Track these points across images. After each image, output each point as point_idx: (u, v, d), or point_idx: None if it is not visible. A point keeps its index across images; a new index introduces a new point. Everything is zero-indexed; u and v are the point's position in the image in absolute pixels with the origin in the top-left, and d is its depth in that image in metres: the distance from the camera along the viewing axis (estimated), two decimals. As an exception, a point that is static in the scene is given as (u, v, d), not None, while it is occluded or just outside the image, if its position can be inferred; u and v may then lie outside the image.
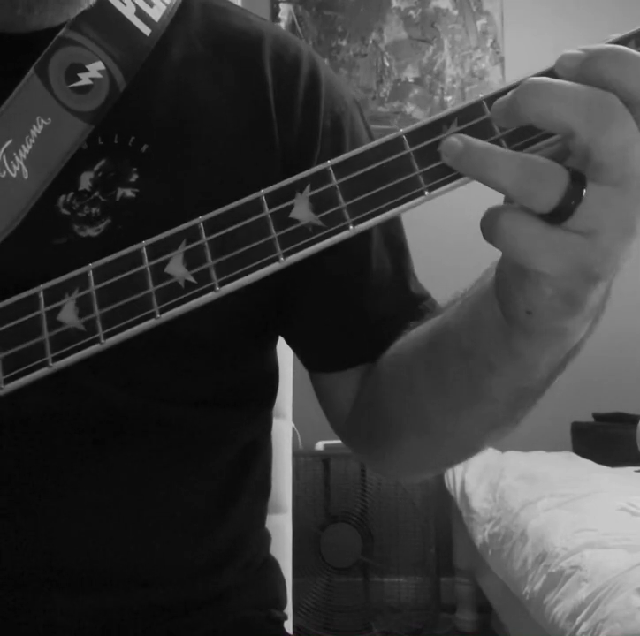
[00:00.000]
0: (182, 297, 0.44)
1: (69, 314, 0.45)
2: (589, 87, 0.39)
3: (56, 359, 0.45)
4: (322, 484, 2.67)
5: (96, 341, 0.45)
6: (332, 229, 0.43)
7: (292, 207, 0.43)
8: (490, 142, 0.42)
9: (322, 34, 3.00)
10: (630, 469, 2.43)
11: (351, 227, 0.43)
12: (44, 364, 0.45)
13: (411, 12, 3.01)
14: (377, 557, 2.63)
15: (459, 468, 2.55)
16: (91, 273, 0.45)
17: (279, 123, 0.68)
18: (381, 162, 0.43)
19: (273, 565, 0.80)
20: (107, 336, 0.44)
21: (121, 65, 0.65)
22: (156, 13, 0.68)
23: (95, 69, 0.65)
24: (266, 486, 0.80)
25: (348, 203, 0.43)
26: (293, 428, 1.09)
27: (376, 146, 0.44)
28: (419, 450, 0.67)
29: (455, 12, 3.01)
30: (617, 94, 0.39)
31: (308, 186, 0.43)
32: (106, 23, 0.66)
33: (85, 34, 0.65)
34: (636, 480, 2.28)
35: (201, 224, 0.44)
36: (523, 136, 0.42)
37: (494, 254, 0.49)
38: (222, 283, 0.43)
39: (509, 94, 0.40)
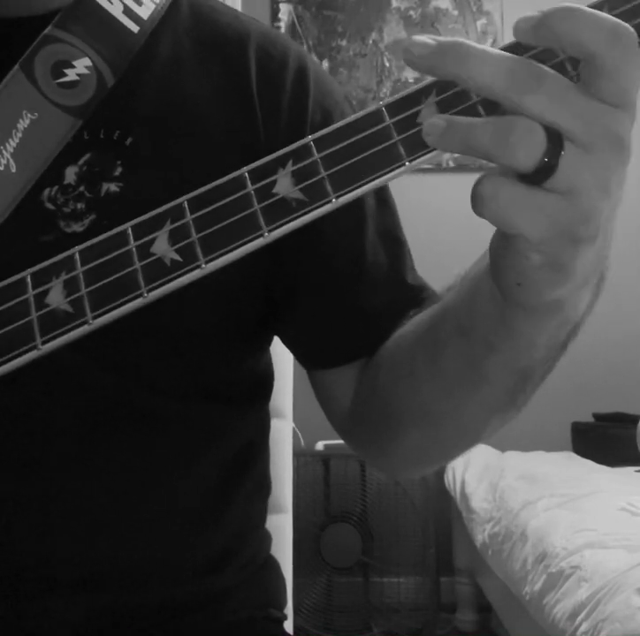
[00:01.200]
0: (169, 275, 0.44)
1: (57, 296, 0.45)
2: (502, 53, 0.40)
3: (45, 341, 0.45)
4: (322, 484, 2.67)
5: (85, 322, 0.44)
6: (315, 203, 0.43)
7: (274, 182, 0.43)
8: (466, 107, 0.42)
9: (322, 34, 3.00)
10: (630, 469, 2.43)
11: (334, 200, 0.43)
12: (33, 347, 0.45)
13: (411, 12, 3.01)
14: (377, 557, 2.63)
15: (459, 468, 2.55)
16: (77, 255, 0.46)
17: (264, 116, 0.68)
18: (361, 135, 0.43)
19: (273, 565, 0.80)
20: (95, 317, 0.44)
21: (109, 62, 0.66)
22: (144, 12, 0.69)
23: (82, 65, 0.65)
24: (265, 486, 0.80)
25: (329, 174, 0.43)
26: (294, 428, 1.09)
27: (356, 119, 0.44)
28: (420, 440, 0.66)
29: (455, 12, 3.01)
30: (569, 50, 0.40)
31: (290, 162, 0.44)
32: (93, 21, 0.67)
33: (71, 31, 0.66)
34: (636, 480, 2.28)
35: (186, 203, 0.44)
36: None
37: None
38: (208, 261, 0.43)
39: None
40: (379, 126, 0.43)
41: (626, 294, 2.83)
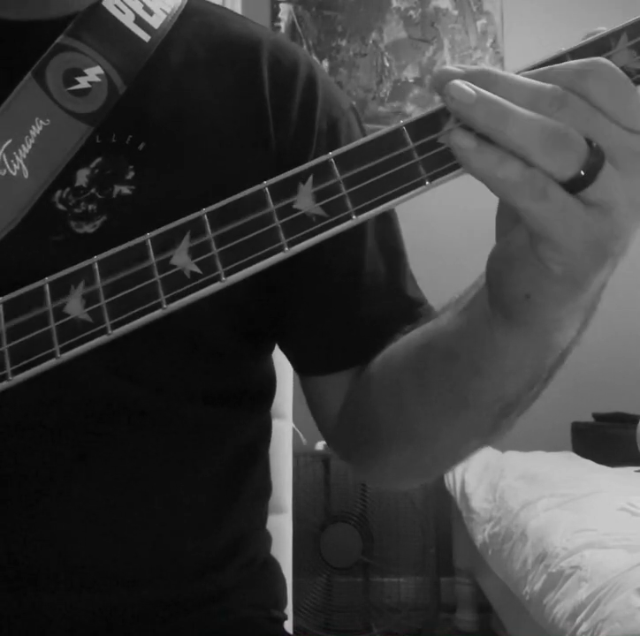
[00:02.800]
0: (188, 286, 0.44)
1: (75, 306, 0.45)
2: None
3: (63, 350, 0.45)
4: (322, 484, 2.67)
5: (103, 332, 0.45)
6: (335, 218, 0.43)
7: (295, 198, 0.44)
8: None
9: (322, 34, 3.00)
10: (630, 469, 2.43)
11: (354, 216, 0.43)
12: (52, 355, 0.45)
13: (411, 12, 3.01)
14: (377, 557, 2.63)
15: (459, 468, 2.55)
16: (96, 266, 0.46)
17: (275, 123, 0.69)
18: (383, 155, 0.44)
19: (273, 565, 0.80)
20: (114, 326, 0.45)
21: (120, 70, 0.67)
22: (155, 21, 0.70)
23: (94, 73, 0.67)
24: (266, 488, 0.80)
25: (349, 192, 0.43)
26: (294, 428, 1.09)
27: (377, 137, 0.44)
28: (401, 458, 0.67)
29: (455, 12, 3.01)
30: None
31: (310, 178, 0.44)
32: (105, 30, 0.68)
33: (83, 40, 0.67)
34: (636, 480, 2.28)
35: (205, 216, 0.45)
36: None
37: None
38: (227, 273, 0.44)
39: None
40: (400, 146, 0.44)
41: (626, 294, 2.83)
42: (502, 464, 2.44)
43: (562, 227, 0.41)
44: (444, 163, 0.43)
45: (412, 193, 0.43)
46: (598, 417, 2.80)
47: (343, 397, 0.72)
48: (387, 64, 2.99)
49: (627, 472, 2.39)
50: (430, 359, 0.58)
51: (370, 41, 3.00)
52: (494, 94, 0.41)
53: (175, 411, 0.68)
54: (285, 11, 3.00)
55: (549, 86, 0.41)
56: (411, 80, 2.99)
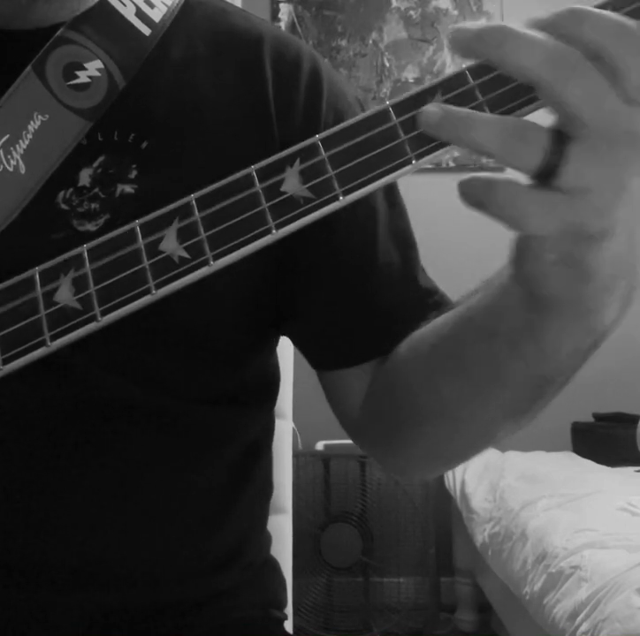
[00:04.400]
0: (177, 271, 0.44)
1: (65, 294, 0.45)
2: (552, 40, 0.40)
3: (53, 338, 0.45)
4: (322, 484, 2.67)
5: (93, 319, 0.45)
6: (322, 199, 0.43)
7: (282, 181, 0.44)
8: (473, 107, 0.43)
9: (322, 33, 2.99)
10: (630, 469, 2.43)
11: (341, 197, 0.43)
12: (42, 343, 0.45)
13: (411, 12, 3.01)
14: (377, 557, 2.63)
15: (459, 468, 2.55)
16: (86, 253, 0.46)
17: (279, 118, 0.68)
18: (368, 134, 0.44)
19: (273, 565, 0.80)
20: (103, 313, 0.44)
21: (120, 64, 0.66)
22: (156, 14, 0.69)
23: (94, 67, 0.66)
24: (268, 488, 0.80)
25: (336, 172, 0.43)
26: (294, 428, 1.09)
27: (363, 118, 0.44)
28: (433, 441, 0.66)
29: (455, 12, 3.01)
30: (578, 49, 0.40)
31: (297, 160, 0.44)
32: (105, 23, 0.67)
33: (83, 33, 0.66)
34: (636, 480, 2.28)
35: (194, 201, 0.45)
36: (506, 102, 0.43)
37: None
38: (216, 257, 0.44)
39: (476, 29, 0.41)
40: (386, 125, 0.44)
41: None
42: (502, 464, 2.44)
43: (535, 222, 0.41)
44: (430, 141, 0.43)
45: (399, 172, 0.43)
46: (598, 417, 2.80)
47: (364, 390, 0.71)
48: (387, 64, 2.99)
49: (627, 472, 2.39)
50: (467, 341, 0.58)
51: (370, 41, 3.00)
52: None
53: (177, 410, 0.68)
54: (285, 11, 3.00)
55: (567, 49, 0.40)
56: (411, 80, 2.98)
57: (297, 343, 0.74)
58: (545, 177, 0.41)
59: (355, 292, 0.70)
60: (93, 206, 0.64)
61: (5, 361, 0.45)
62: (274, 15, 3.00)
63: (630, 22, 0.40)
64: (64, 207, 0.64)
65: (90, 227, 0.63)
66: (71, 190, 0.64)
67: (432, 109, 0.42)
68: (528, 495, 2.11)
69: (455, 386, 0.60)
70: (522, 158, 0.40)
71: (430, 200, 2.80)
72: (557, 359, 0.53)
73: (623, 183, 0.41)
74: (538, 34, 0.40)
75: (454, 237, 2.81)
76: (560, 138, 0.41)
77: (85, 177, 0.65)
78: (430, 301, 0.70)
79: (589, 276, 0.45)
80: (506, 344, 0.54)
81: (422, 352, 0.64)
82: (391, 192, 0.72)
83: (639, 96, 0.40)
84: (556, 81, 0.40)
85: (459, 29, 0.41)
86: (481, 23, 0.42)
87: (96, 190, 0.64)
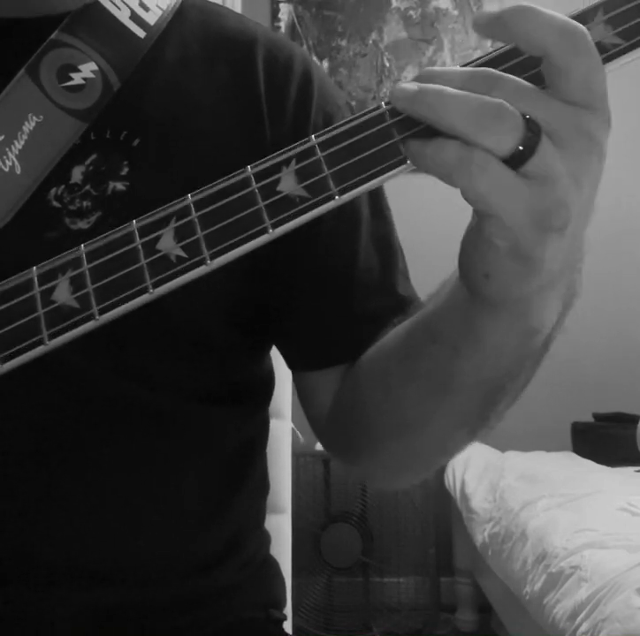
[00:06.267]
0: (174, 270, 0.44)
1: (63, 293, 0.45)
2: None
3: (51, 336, 0.45)
4: (322, 484, 2.67)
5: (91, 317, 0.45)
6: (318, 198, 0.44)
7: (278, 180, 0.44)
8: None
9: (322, 34, 3.00)
10: (630, 469, 2.43)
11: (336, 197, 0.44)
12: (40, 342, 0.45)
13: (411, 12, 3.01)
14: (377, 557, 2.63)
15: (459, 468, 2.55)
16: (83, 252, 0.46)
17: (270, 119, 0.69)
18: (364, 134, 0.44)
19: (273, 565, 0.80)
20: (101, 312, 0.45)
21: (115, 66, 0.67)
22: (151, 17, 0.70)
23: (88, 69, 0.66)
24: (264, 486, 0.80)
25: (331, 171, 0.44)
26: (294, 428, 1.09)
27: (358, 118, 0.45)
28: (394, 451, 0.67)
29: (455, 12, 3.01)
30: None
31: (293, 161, 0.45)
32: (100, 26, 0.68)
33: (77, 36, 0.67)
34: (636, 480, 2.28)
35: (191, 201, 0.45)
36: None
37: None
38: (213, 256, 0.44)
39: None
40: (381, 125, 0.44)
41: (626, 294, 2.83)
42: (502, 464, 2.44)
43: (503, 202, 0.42)
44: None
45: (393, 171, 0.44)
46: (598, 417, 2.80)
47: (331, 394, 0.72)
48: (387, 64, 2.99)
49: (627, 472, 2.39)
50: (414, 343, 0.59)
51: (370, 41, 3.00)
52: (434, 84, 0.42)
53: (174, 409, 0.68)
54: (285, 11, 3.00)
55: (481, 68, 0.42)
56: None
57: (275, 342, 0.75)
58: (512, 162, 0.41)
59: (332, 296, 0.70)
60: (85, 203, 0.64)
61: (3, 360, 0.45)
62: (274, 15, 3.00)
63: (574, 24, 0.41)
64: (56, 204, 0.64)
65: (82, 225, 0.64)
66: (62, 187, 0.64)
67: (406, 84, 0.43)
68: (528, 495, 2.11)
69: (406, 391, 0.61)
70: (497, 139, 0.41)
71: (429, 199, 2.80)
72: (500, 362, 0.53)
73: (580, 179, 0.42)
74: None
75: (450, 236, 2.81)
76: (534, 127, 0.41)
77: (77, 174, 0.65)
78: (406, 309, 0.70)
79: (535, 271, 0.45)
80: (448, 345, 0.54)
81: (380, 358, 0.65)
82: (376, 198, 0.73)
83: (585, 99, 0.41)
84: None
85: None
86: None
87: (88, 187, 0.64)
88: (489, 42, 2.99)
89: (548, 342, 0.53)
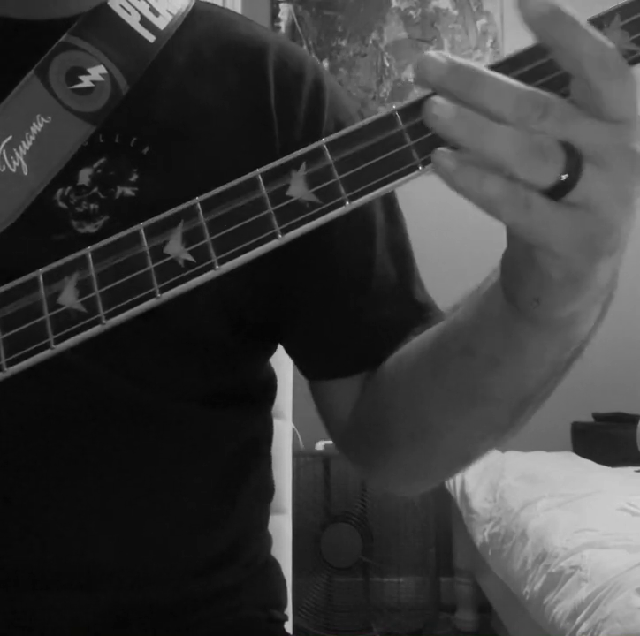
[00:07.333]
0: (182, 275, 0.44)
1: (69, 296, 0.45)
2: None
3: (57, 340, 0.45)
4: (322, 484, 2.67)
5: (98, 322, 0.44)
6: (329, 204, 0.43)
7: (288, 185, 0.44)
8: None
9: (322, 34, 3.00)
10: (630, 469, 2.43)
11: (347, 203, 0.43)
12: (46, 346, 0.45)
13: (411, 12, 3.01)
14: (377, 557, 2.63)
15: (459, 468, 2.55)
16: (90, 255, 0.46)
17: (280, 127, 0.69)
18: (375, 139, 0.44)
19: (274, 566, 0.80)
20: (108, 316, 0.44)
21: (124, 70, 0.67)
22: (161, 22, 0.70)
23: (97, 72, 0.66)
24: (268, 490, 0.80)
25: (342, 177, 0.43)
26: (294, 429, 1.09)
27: (369, 123, 0.44)
28: (414, 456, 0.67)
29: (455, 12, 3.01)
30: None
31: (303, 164, 0.44)
32: (109, 30, 0.68)
33: (87, 39, 0.67)
34: (636, 480, 2.28)
35: (199, 205, 0.45)
36: None
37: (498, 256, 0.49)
38: (221, 261, 0.44)
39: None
40: (392, 131, 0.43)
41: (626, 294, 2.82)
42: (502, 464, 2.44)
43: (551, 234, 0.41)
44: (437, 147, 0.42)
45: (405, 178, 0.43)
46: (598, 417, 2.80)
47: (352, 402, 0.71)
48: (387, 64, 2.99)
49: (627, 472, 2.39)
50: (446, 355, 0.58)
51: (370, 41, 3.00)
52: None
53: (174, 410, 0.68)
54: (285, 11, 3.00)
55: (530, 91, 0.40)
56: (411, 80, 2.98)
57: (288, 350, 0.75)
58: (555, 192, 0.41)
59: (349, 304, 0.70)
60: (92, 206, 0.64)
61: (9, 363, 0.45)
62: (274, 15, 3.00)
63: (609, 45, 0.40)
64: (62, 205, 0.64)
65: (90, 229, 0.63)
66: (69, 188, 0.64)
67: (444, 103, 0.40)
68: (528, 495, 2.11)
69: (434, 401, 0.61)
70: (540, 174, 0.40)
71: (429, 199, 2.81)
72: (539, 371, 0.53)
73: (629, 198, 0.41)
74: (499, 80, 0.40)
75: (455, 237, 2.81)
76: (574, 153, 0.40)
77: (84, 176, 0.65)
78: (424, 317, 0.69)
79: (586, 290, 0.45)
80: (486, 358, 0.54)
81: (405, 367, 0.65)
82: (390, 204, 0.72)
83: (620, 115, 0.40)
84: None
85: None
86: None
87: (95, 190, 0.64)
88: (488, 42, 2.99)
89: (584, 346, 0.53)
